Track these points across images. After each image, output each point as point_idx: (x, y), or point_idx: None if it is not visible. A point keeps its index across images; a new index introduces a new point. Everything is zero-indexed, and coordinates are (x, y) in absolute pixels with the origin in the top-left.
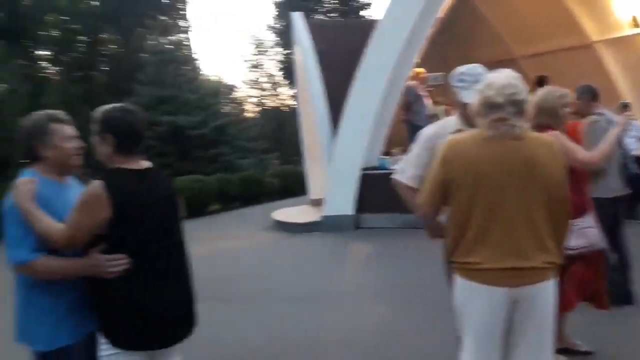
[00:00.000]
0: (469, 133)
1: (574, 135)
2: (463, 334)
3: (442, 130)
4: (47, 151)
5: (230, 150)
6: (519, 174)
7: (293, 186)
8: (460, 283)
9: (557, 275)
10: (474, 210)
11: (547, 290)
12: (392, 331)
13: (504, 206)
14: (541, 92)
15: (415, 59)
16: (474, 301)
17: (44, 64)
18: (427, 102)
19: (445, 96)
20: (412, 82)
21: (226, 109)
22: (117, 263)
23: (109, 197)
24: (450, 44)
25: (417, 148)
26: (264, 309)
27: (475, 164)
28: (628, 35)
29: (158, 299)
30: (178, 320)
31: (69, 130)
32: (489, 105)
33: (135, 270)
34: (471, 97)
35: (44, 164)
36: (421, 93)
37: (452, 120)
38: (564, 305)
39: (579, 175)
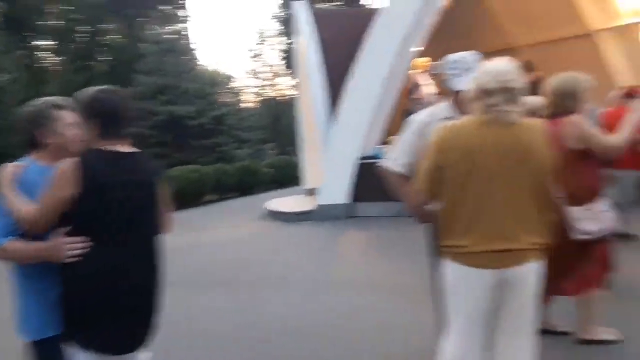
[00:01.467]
0: (463, 119)
1: (615, 120)
2: (451, 315)
3: (433, 117)
4: (48, 138)
5: (228, 140)
6: (511, 160)
7: (289, 176)
8: (450, 266)
9: (544, 256)
10: (466, 196)
11: (532, 272)
12: (380, 319)
13: (494, 191)
14: (562, 76)
15: (417, 47)
16: (464, 283)
17: (44, 53)
18: (427, 90)
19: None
20: (413, 71)
21: (224, 99)
22: (75, 246)
23: (77, 174)
24: (453, 32)
25: (407, 135)
26: (251, 294)
27: (469, 150)
28: (629, 24)
29: (112, 288)
30: (130, 318)
31: (70, 116)
32: (484, 92)
33: (92, 257)
34: (462, 85)
35: (44, 151)
36: (420, 82)
37: (442, 107)
38: (590, 284)
39: (592, 159)
